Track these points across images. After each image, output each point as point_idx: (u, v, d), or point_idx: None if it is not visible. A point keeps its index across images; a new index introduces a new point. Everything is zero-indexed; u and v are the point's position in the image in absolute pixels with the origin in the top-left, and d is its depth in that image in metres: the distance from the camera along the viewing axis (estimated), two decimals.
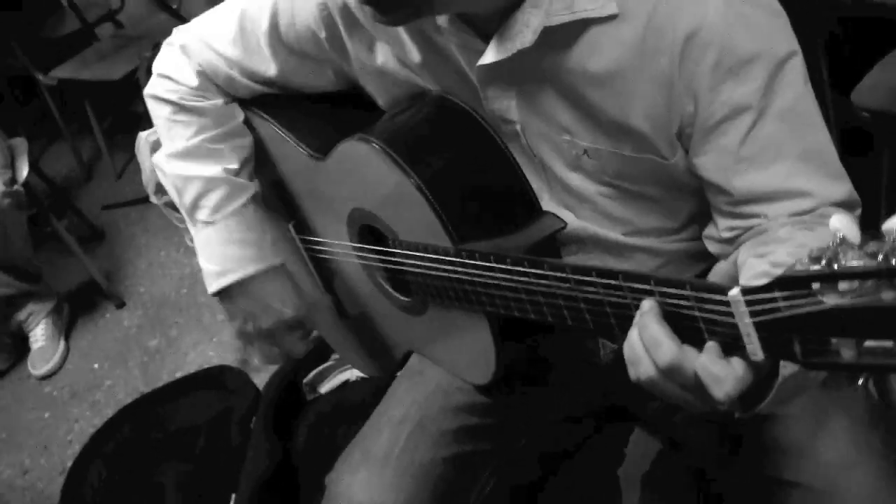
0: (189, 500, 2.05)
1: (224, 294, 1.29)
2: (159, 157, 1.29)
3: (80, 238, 3.23)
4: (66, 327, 2.97)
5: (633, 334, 0.80)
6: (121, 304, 3.04)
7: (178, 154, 1.27)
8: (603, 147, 1.02)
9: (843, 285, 0.60)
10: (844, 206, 0.96)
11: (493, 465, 1.23)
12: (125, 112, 3.64)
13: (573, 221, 1.10)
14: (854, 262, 0.59)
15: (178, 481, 2.09)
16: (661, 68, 0.92)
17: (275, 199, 1.42)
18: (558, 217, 1.07)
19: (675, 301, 0.77)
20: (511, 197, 1.09)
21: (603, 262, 1.12)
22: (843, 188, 0.97)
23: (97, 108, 3.57)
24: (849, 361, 0.63)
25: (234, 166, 1.28)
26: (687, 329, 0.77)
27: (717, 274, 0.87)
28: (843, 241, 0.60)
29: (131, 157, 1.32)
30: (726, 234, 1.01)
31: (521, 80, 1.02)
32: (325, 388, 2.14)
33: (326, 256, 1.36)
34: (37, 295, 2.87)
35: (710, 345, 0.75)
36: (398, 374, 1.35)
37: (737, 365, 0.73)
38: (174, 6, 3.43)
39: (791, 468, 1.03)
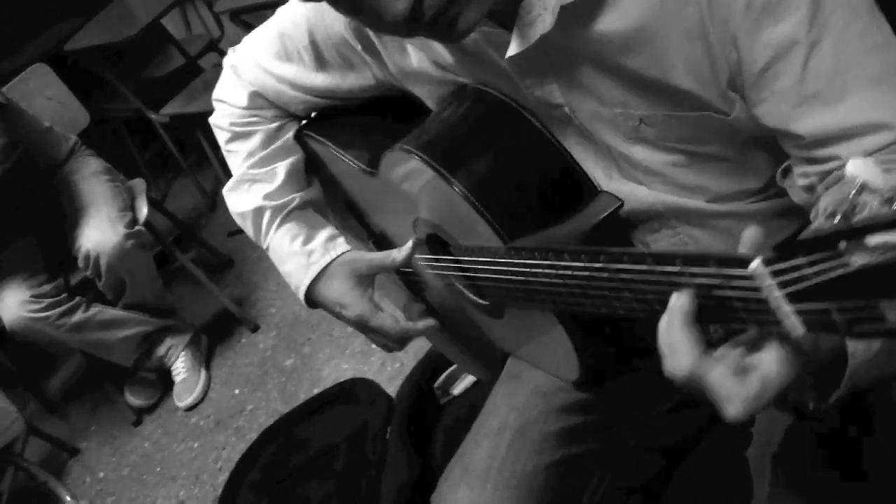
0: None
1: (311, 305, 1.28)
2: (225, 193, 1.32)
3: (210, 267, 3.31)
4: (205, 357, 3.03)
5: (658, 335, 0.72)
6: (255, 328, 3.07)
7: (230, 189, 1.30)
8: (658, 112, 0.91)
9: (872, 240, 0.50)
10: None
11: (603, 464, 1.14)
12: None
13: (647, 196, 1.00)
14: (876, 211, 0.50)
15: (322, 502, 2.07)
16: (691, 19, 0.82)
17: (352, 218, 1.40)
18: (614, 196, 0.96)
19: (705, 281, 0.68)
20: (559, 183, 1.00)
21: (688, 235, 1.02)
22: None
23: (211, 138, 3.61)
24: None
25: (274, 186, 1.27)
26: (720, 309, 0.68)
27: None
28: (864, 187, 0.51)
29: None
30: (803, 182, 0.87)
31: (556, 62, 0.93)
32: (457, 390, 2.08)
33: (408, 269, 1.30)
34: (173, 329, 2.93)
35: (731, 356, 0.67)
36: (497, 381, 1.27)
37: (752, 383, 0.66)
38: None
39: None
